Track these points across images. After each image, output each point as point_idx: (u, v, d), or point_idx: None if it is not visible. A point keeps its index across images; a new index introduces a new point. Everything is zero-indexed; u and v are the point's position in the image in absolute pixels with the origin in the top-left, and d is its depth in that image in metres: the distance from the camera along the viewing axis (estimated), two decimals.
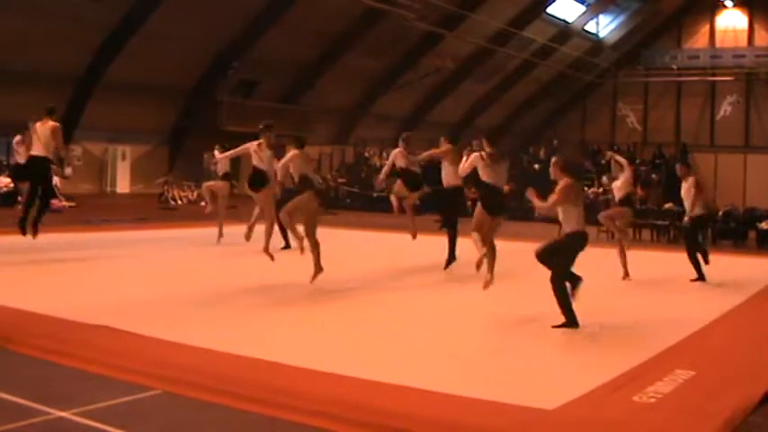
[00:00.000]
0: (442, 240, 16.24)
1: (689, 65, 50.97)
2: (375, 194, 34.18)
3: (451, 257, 15.88)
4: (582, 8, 48.58)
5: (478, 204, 12.69)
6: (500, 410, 7.15)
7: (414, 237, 16.39)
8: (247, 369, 8.25)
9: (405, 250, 14.47)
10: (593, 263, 14.45)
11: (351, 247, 18.56)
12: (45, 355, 8.61)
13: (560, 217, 11.01)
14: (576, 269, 10.82)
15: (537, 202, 11.21)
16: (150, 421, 6.82)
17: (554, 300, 10.59)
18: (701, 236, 15.03)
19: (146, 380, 7.76)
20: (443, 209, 16.78)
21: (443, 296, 13.44)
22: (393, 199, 16.31)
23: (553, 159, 11.47)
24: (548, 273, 10.70)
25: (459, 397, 7.46)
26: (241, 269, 13.40)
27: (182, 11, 32.67)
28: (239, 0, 34.40)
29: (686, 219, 15.58)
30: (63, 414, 6.77)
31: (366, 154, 41.17)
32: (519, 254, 15.30)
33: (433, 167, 16.88)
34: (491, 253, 12.44)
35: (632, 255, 20.09)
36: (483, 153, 12.72)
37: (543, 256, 10.86)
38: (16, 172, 19.30)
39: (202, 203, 23.27)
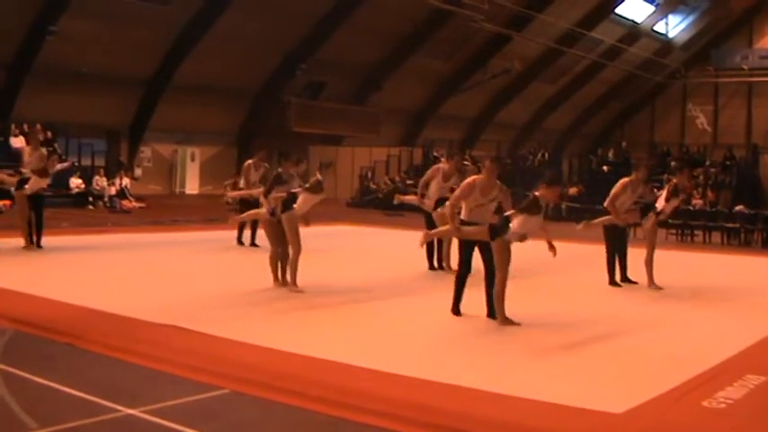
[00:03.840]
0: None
1: (760, 65, 50.14)
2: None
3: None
4: (651, 8, 48.09)
5: None
6: (567, 413, 7.09)
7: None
8: (314, 369, 8.26)
9: None
10: (659, 266, 14.33)
11: (412, 248, 18.36)
12: (113, 353, 8.72)
13: None
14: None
15: None
16: (217, 420, 6.86)
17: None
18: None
19: (213, 379, 7.81)
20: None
21: None
22: None
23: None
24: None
25: (524, 399, 7.41)
26: (307, 269, 13.42)
27: (249, 13, 32.96)
28: (306, 2, 34.59)
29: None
30: (131, 411, 6.84)
31: (434, 155, 41.06)
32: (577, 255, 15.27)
33: None
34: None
35: (702, 257, 19.94)
36: None
37: None
38: None
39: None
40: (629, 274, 14.43)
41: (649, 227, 14.42)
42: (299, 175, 13.95)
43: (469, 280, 11.27)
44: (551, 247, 10.85)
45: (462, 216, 11.30)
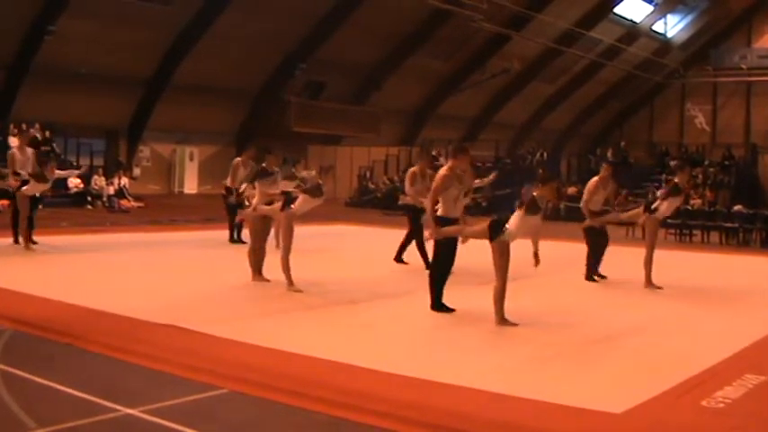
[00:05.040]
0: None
1: (759, 64, 50.05)
2: None
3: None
4: (650, 8, 48.08)
5: None
6: (567, 413, 7.08)
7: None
8: (313, 369, 8.25)
9: (465, 251, 14.21)
10: (657, 265, 14.33)
11: (411, 248, 18.47)
12: (113, 352, 8.71)
13: None
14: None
15: None
16: (216, 420, 6.85)
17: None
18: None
19: (212, 379, 7.81)
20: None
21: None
22: None
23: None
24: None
25: (524, 399, 7.40)
26: (306, 268, 13.42)
27: (249, 13, 32.95)
28: (306, 2, 34.58)
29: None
30: (131, 411, 6.84)
31: (433, 154, 40.97)
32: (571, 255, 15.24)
33: None
34: None
35: (700, 257, 19.93)
36: None
37: None
38: None
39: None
40: (602, 269, 14.81)
41: (650, 227, 14.47)
42: (309, 177, 14.23)
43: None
44: (535, 257, 10.78)
45: (441, 213, 11.29)
